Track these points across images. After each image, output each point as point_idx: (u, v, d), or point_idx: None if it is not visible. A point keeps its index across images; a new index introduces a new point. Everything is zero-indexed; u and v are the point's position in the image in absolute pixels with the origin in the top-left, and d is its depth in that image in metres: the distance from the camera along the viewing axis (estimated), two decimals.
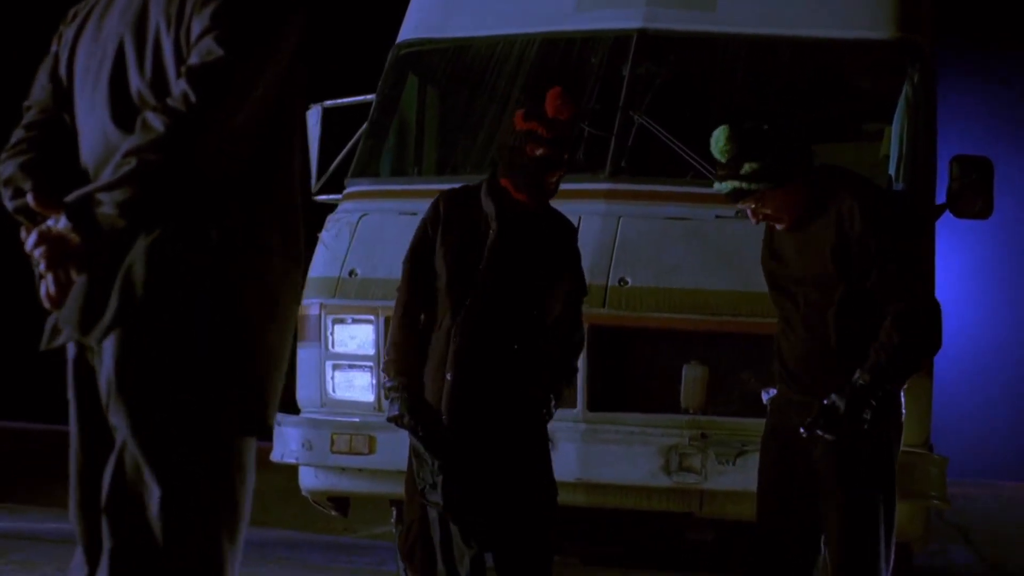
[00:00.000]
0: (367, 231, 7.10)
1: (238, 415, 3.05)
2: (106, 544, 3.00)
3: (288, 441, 6.96)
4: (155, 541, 2.98)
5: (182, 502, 2.98)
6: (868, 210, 4.61)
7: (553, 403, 5.43)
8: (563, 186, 5.51)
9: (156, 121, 2.92)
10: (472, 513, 5.31)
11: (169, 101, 2.94)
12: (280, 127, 3.10)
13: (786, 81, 7.43)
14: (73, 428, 3.18)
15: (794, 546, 4.76)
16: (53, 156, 3.21)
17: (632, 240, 6.78)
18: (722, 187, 4.67)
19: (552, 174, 5.40)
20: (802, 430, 4.60)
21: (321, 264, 7.02)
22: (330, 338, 6.96)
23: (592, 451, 6.57)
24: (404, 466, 5.69)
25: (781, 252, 4.81)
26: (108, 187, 2.92)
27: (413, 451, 5.42)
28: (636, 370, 6.82)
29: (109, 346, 3.01)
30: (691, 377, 6.64)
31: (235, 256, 3.02)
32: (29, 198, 3.07)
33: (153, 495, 2.97)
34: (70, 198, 2.95)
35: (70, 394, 3.17)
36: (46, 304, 3.05)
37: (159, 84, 3.04)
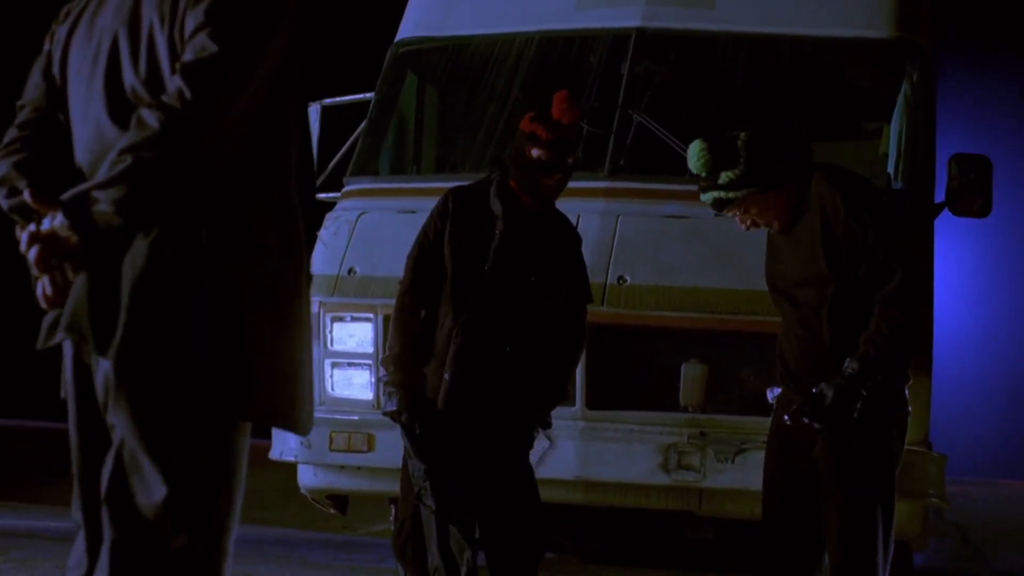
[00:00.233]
0: (366, 229, 7.09)
1: (238, 415, 3.05)
2: (107, 537, 3.00)
3: (287, 439, 6.95)
4: (155, 538, 2.98)
5: (182, 502, 2.98)
6: (850, 201, 4.64)
7: (550, 418, 5.47)
8: None
9: (151, 118, 2.91)
10: (465, 513, 5.32)
11: (164, 98, 2.93)
12: (274, 125, 3.09)
13: (785, 80, 7.44)
14: (72, 426, 3.18)
15: (796, 546, 4.78)
16: (47, 155, 3.20)
17: (631, 238, 6.78)
18: (705, 198, 4.77)
19: (550, 176, 5.40)
20: (786, 417, 4.63)
21: (320, 262, 7.01)
22: (329, 336, 6.95)
23: (591, 449, 6.57)
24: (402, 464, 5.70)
25: (779, 256, 4.85)
26: (104, 185, 2.91)
27: (406, 450, 5.44)
28: (635, 368, 6.82)
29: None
30: (690, 375, 6.64)
31: (232, 255, 3.01)
32: (26, 195, 3.05)
33: (153, 494, 2.97)
34: (66, 196, 2.94)
35: (69, 392, 3.17)
36: (43, 304, 3.04)
37: (153, 81, 3.03)
